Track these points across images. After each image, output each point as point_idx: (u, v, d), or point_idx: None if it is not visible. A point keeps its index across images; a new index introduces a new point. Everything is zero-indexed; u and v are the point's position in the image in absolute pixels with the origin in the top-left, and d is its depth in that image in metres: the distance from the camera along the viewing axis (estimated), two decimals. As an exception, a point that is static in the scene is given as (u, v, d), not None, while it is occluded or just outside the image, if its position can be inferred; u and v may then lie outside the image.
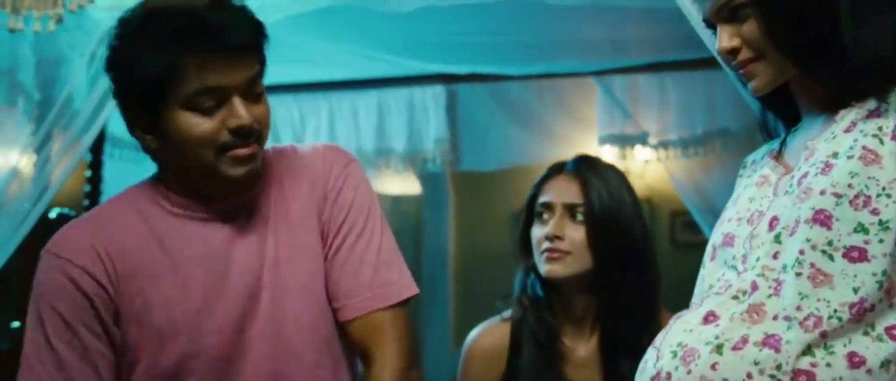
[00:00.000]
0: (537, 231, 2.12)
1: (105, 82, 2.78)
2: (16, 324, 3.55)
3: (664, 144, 4.09)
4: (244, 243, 1.67)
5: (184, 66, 1.52)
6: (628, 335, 2.04)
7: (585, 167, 2.15)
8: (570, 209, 2.09)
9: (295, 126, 4.45)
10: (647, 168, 6.06)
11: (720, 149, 3.95)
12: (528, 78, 4.15)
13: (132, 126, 1.63)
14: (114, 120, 3.66)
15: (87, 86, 2.82)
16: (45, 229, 3.32)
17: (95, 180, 3.68)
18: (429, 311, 5.35)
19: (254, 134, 1.60)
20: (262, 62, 1.62)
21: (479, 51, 3.86)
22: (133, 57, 1.56)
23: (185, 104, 1.55)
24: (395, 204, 7.71)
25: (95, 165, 3.69)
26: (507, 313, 2.21)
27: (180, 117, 1.55)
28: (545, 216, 2.11)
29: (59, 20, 2.18)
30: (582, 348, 2.13)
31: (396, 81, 4.24)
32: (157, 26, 1.55)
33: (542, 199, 2.13)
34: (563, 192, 2.11)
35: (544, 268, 2.08)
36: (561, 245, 2.07)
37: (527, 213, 2.18)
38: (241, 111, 1.56)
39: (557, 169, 2.17)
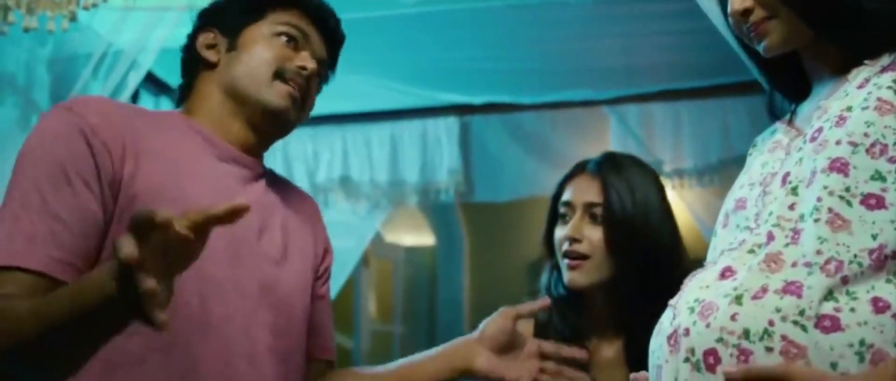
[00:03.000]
0: (559, 232, 2.07)
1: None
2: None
3: (679, 173, 4.07)
4: (252, 198, 1.64)
5: (289, 9, 1.72)
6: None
7: (608, 166, 2.07)
8: (590, 209, 2.03)
9: (308, 160, 4.45)
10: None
11: (735, 176, 3.91)
12: (540, 107, 4.15)
13: (200, 44, 1.73)
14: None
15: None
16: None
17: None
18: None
19: (309, 85, 1.71)
20: (329, 73, 1.83)
21: (491, 78, 3.89)
22: None
23: (273, 29, 1.70)
24: (409, 255, 7.70)
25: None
26: None
27: (263, 34, 1.70)
28: (566, 216, 2.06)
29: (73, 18, 2.20)
30: (607, 349, 2.08)
31: (409, 112, 4.25)
32: None
33: (565, 197, 2.08)
34: (583, 191, 2.05)
35: (566, 276, 2.04)
36: (579, 248, 2.01)
37: (551, 212, 2.13)
38: (309, 58, 1.70)
39: (581, 167, 2.12)
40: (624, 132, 4.12)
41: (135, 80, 2.75)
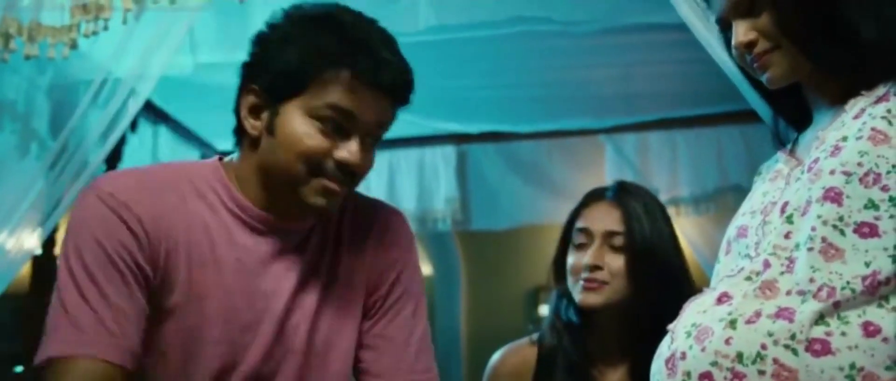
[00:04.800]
0: (574, 258, 2.08)
1: (116, 136, 2.85)
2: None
3: (675, 201, 4.09)
4: (283, 270, 1.61)
5: (336, 77, 1.49)
6: None
7: (626, 195, 2.11)
8: (610, 237, 2.05)
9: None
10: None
11: (732, 205, 3.94)
12: (537, 136, 4.18)
13: (243, 107, 1.57)
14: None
15: (100, 140, 2.85)
16: (52, 274, 3.33)
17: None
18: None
19: (353, 177, 1.56)
20: (395, 116, 1.60)
21: (488, 107, 3.91)
22: (296, 41, 1.52)
23: (313, 111, 1.50)
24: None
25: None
26: (535, 336, 2.18)
27: (299, 120, 1.51)
28: (583, 243, 2.08)
29: (74, 46, 2.21)
30: (613, 374, 2.09)
31: (406, 141, 4.27)
32: (334, 27, 1.52)
33: (581, 224, 2.09)
34: (603, 219, 2.08)
35: (580, 297, 2.05)
36: (599, 275, 2.03)
37: (563, 237, 2.14)
38: (355, 149, 1.52)
39: (598, 195, 2.14)
40: (620, 160, 4.15)
41: (134, 108, 2.76)
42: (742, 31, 1.45)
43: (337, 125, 1.50)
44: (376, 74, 1.49)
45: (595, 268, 2.03)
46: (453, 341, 6.74)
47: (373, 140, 1.56)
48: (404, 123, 4.12)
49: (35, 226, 2.92)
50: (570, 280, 2.09)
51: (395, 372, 1.68)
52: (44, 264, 3.32)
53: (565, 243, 2.14)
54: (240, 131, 1.60)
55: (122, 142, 3.47)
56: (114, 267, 1.47)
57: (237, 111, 1.59)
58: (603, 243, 2.05)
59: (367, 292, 1.70)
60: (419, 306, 1.73)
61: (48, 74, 2.99)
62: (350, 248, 1.68)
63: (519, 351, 2.18)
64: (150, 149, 3.95)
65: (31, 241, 2.96)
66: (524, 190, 4.33)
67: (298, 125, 1.50)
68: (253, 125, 1.56)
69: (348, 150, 1.51)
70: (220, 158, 1.67)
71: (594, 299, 2.04)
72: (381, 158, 4.36)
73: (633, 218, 2.06)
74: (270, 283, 1.59)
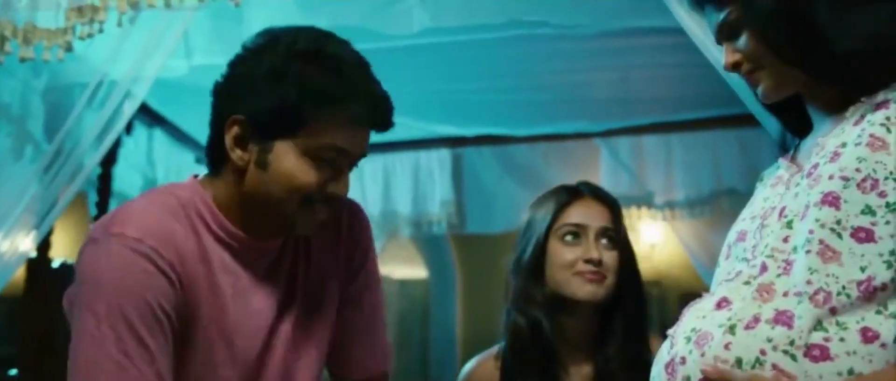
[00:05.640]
0: (568, 253, 2.07)
1: (112, 139, 2.85)
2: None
3: (670, 204, 4.10)
4: (266, 288, 1.63)
5: (333, 117, 1.49)
6: (626, 356, 2.04)
7: (603, 192, 2.18)
8: (604, 233, 2.09)
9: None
10: (655, 251, 6.06)
11: (726, 209, 3.95)
12: (532, 139, 4.18)
13: (227, 135, 1.54)
14: (119, 176, 3.71)
15: (95, 142, 2.85)
16: (47, 277, 3.33)
17: (100, 235, 3.65)
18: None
19: (338, 203, 1.61)
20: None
21: (484, 110, 3.90)
22: (290, 79, 1.49)
23: (309, 151, 1.50)
24: (402, 288, 7.69)
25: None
26: (500, 345, 2.17)
27: (294, 157, 1.51)
28: (576, 239, 2.08)
29: (69, 48, 2.21)
30: (576, 375, 2.10)
31: (402, 144, 4.27)
32: (330, 66, 1.50)
33: (572, 220, 2.09)
34: (595, 215, 2.10)
35: (585, 289, 2.05)
36: (600, 269, 2.06)
37: (545, 234, 2.10)
38: (345, 181, 1.56)
39: (576, 193, 2.15)
40: (615, 164, 4.16)
41: (129, 110, 2.75)
42: (728, 54, 1.49)
43: (329, 163, 1.52)
44: (373, 114, 1.52)
45: (599, 262, 2.05)
46: (448, 344, 6.74)
47: (356, 164, 1.59)
48: (400, 127, 4.10)
49: (30, 229, 2.91)
50: (559, 275, 2.08)
51: (368, 355, 1.78)
52: (38, 267, 3.31)
53: (545, 240, 2.10)
54: (218, 153, 1.58)
55: (117, 144, 3.48)
56: (157, 322, 1.45)
57: (217, 136, 1.56)
58: (597, 238, 2.07)
59: (339, 284, 1.73)
60: (379, 287, 1.82)
61: (43, 77, 2.99)
62: (321, 248, 1.71)
63: (487, 362, 2.18)
64: (145, 152, 3.95)
65: (26, 244, 2.96)
66: (520, 193, 4.31)
67: (293, 164, 1.51)
68: (239, 157, 1.54)
69: (340, 184, 1.54)
70: (196, 177, 1.66)
71: (597, 290, 2.05)
72: (377, 162, 4.37)
73: (617, 215, 2.13)
74: (260, 302, 1.61)
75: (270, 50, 1.53)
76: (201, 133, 4.39)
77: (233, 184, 1.57)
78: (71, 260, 3.62)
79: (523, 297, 2.12)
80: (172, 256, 1.48)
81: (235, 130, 1.53)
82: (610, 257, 2.07)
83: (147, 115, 3.70)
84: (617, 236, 2.10)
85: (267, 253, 1.63)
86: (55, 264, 3.43)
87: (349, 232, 1.75)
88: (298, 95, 1.48)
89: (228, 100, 1.56)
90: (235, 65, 1.56)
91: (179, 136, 4.05)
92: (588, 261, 2.05)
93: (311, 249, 1.70)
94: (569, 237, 2.09)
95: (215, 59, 2.79)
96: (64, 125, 2.75)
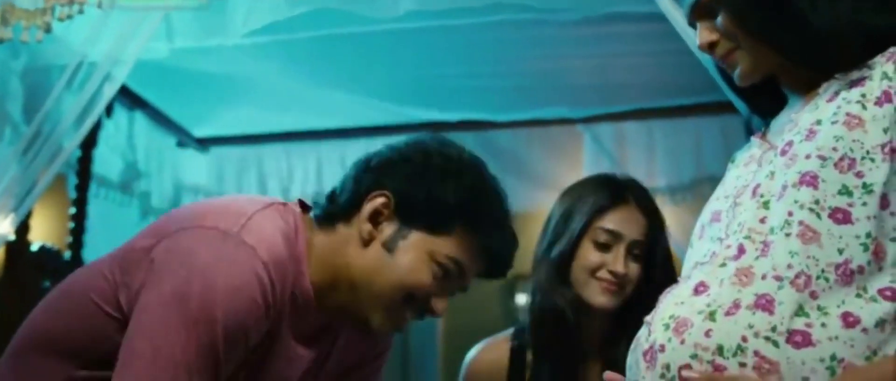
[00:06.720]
0: (596, 257, 2.06)
1: (91, 121, 2.83)
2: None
3: (652, 191, 4.04)
4: (308, 367, 1.62)
5: (477, 242, 1.53)
6: None
7: (647, 201, 2.16)
8: (635, 246, 2.06)
9: (282, 176, 4.45)
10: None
11: (708, 195, 3.93)
12: (515, 125, 4.17)
13: (368, 205, 1.52)
14: (99, 159, 3.69)
15: (75, 124, 2.82)
16: (25, 260, 3.30)
17: (79, 218, 3.64)
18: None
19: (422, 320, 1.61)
20: None
21: (466, 96, 3.89)
22: (466, 186, 1.53)
23: (439, 257, 1.51)
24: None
25: (80, 202, 3.66)
26: (509, 332, 2.19)
27: (424, 256, 1.51)
28: (608, 245, 2.06)
29: (48, 29, 2.19)
30: (591, 372, 2.10)
31: (384, 129, 4.23)
32: (496, 197, 1.59)
33: (609, 226, 2.06)
34: (633, 227, 2.07)
35: (598, 297, 2.05)
36: (623, 280, 2.05)
37: (579, 234, 2.08)
38: (444, 306, 1.57)
39: (622, 197, 2.11)
40: (598, 150, 4.15)
41: (109, 92, 2.73)
42: (704, 34, 1.48)
43: (446, 276, 1.53)
44: (503, 265, 1.59)
45: (622, 275, 2.04)
46: (429, 332, 6.72)
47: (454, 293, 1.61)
48: (381, 111, 4.13)
49: (8, 212, 2.88)
50: (580, 275, 2.07)
51: None
52: (16, 250, 3.28)
53: (578, 240, 2.08)
54: (341, 212, 1.55)
55: (97, 127, 3.46)
56: (236, 351, 1.40)
57: (358, 201, 1.53)
58: (628, 249, 2.06)
59: (350, 360, 1.73)
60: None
61: (22, 58, 2.96)
62: (354, 340, 1.70)
63: (496, 347, 2.18)
64: (125, 134, 3.93)
65: (4, 226, 2.93)
66: (502, 179, 4.23)
67: (420, 260, 1.51)
68: (370, 231, 1.51)
69: (441, 303, 1.56)
70: (303, 208, 1.60)
71: (611, 301, 2.05)
72: (358, 147, 4.34)
73: (655, 232, 2.10)
74: (291, 369, 1.59)
75: (441, 155, 1.55)
76: (183, 116, 4.41)
77: (342, 252, 1.53)
78: (50, 244, 3.62)
79: (550, 285, 2.10)
80: (278, 295, 1.44)
81: (381, 201, 1.52)
82: (634, 270, 2.06)
83: (128, 97, 3.68)
84: (649, 253, 2.06)
85: (320, 330, 1.61)
86: (34, 247, 3.40)
87: (379, 342, 1.78)
88: (458, 202, 1.50)
89: (380, 174, 1.55)
90: (396, 149, 1.57)
91: (160, 119, 4.02)
92: (612, 272, 2.04)
93: (340, 336, 1.68)
94: (601, 242, 2.06)
95: (197, 42, 2.79)
96: (43, 107, 2.73)
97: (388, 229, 1.52)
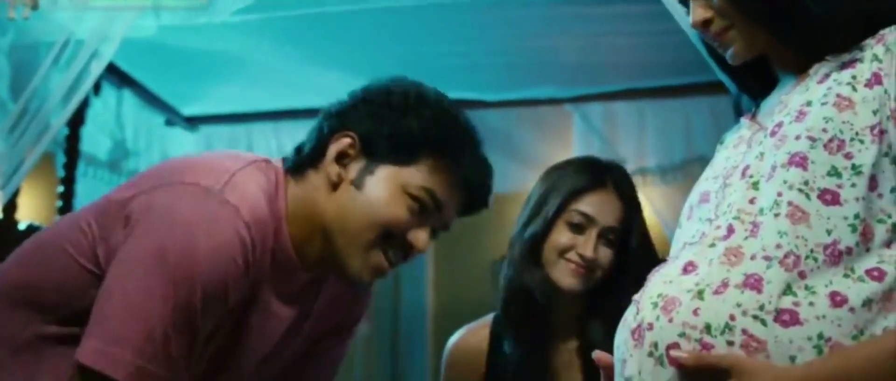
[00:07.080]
0: (567, 238, 2.04)
1: (79, 98, 2.81)
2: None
3: (642, 171, 4.10)
4: (289, 326, 1.61)
5: (446, 168, 1.51)
6: (613, 334, 2.03)
7: (626, 186, 2.12)
8: (608, 231, 2.05)
9: (271, 154, 4.41)
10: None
11: (698, 175, 3.93)
12: (504, 104, 4.17)
13: (333, 147, 1.51)
14: (87, 138, 3.67)
15: (62, 102, 2.81)
16: (13, 239, 3.29)
17: (67, 196, 3.63)
18: (407, 370, 5.26)
19: (405, 260, 1.57)
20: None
21: (455, 75, 3.88)
22: (421, 115, 1.51)
23: (409, 188, 1.49)
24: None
25: (68, 181, 3.65)
26: (489, 317, 2.18)
27: (393, 189, 1.49)
28: (581, 226, 2.04)
29: (35, 7, 2.18)
30: (564, 352, 2.10)
31: (374, 108, 4.23)
32: (461, 124, 1.57)
33: (584, 209, 2.05)
34: (607, 212, 2.05)
35: (567, 280, 2.03)
36: (592, 265, 2.03)
37: (554, 214, 2.06)
38: (425, 238, 1.53)
39: (601, 181, 2.09)
40: (587, 130, 4.15)
41: (97, 70, 2.72)
42: (699, 11, 1.46)
43: (422, 209, 1.50)
44: (481, 193, 1.58)
45: (591, 260, 2.02)
46: (419, 312, 6.74)
47: (435, 235, 1.58)
48: (370, 90, 4.10)
49: (-5, 190, 2.88)
50: (550, 256, 2.06)
51: None
52: (4, 229, 3.27)
53: (553, 220, 2.07)
54: (309, 159, 1.54)
55: (85, 105, 3.45)
56: (215, 309, 1.38)
57: (323, 145, 1.53)
58: (600, 235, 2.04)
59: (328, 323, 1.73)
60: (350, 342, 1.84)
61: (9, 35, 2.94)
62: (334, 300, 1.70)
63: (476, 333, 2.18)
64: (114, 113, 3.91)
65: (-8, 205, 2.93)
66: (491, 159, 4.25)
67: (390, 192, 1.49)
68: (337, 172, 1.51)
69: (421, 236, 1.52)
70: (284, 166, 1.57)
71: (578, 284, 2.03)
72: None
73: (630, 219, 2.07)
74: (271, 328, 1.58)
75: (414, 91, 1.54)
76: (171, 94, 4.40)
77: (316, 198, 1.51)
78: (37, 222, 3.60)
79: (522, 264, 2.09)
80: (258, 255, 1.42)
81: (345, 142, 1.51)
82: (604, 255, 2.04)
83: (116, 75, 3.66)
84: (621, 240, 2.05)
85: (303, 285, 1.60)
86: (22, 226, 3.39)
87: (358, 305, 1.77)
88: (422, 130, 1.49)
89: (342, 118, 1.54)
90: (355, 95, 1.56)
91: (148, 97, 4.01)
92: (580, 255, 2.03)
93: (323, 289, 1.67)
94: (574, 223, 2.05)
95: (185, 20, 2.78)
96: (30, 85, 2.72)
97: (355, 167, 1.51)
